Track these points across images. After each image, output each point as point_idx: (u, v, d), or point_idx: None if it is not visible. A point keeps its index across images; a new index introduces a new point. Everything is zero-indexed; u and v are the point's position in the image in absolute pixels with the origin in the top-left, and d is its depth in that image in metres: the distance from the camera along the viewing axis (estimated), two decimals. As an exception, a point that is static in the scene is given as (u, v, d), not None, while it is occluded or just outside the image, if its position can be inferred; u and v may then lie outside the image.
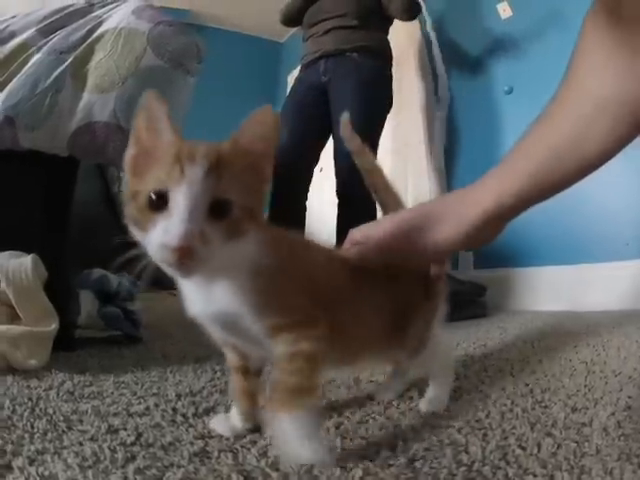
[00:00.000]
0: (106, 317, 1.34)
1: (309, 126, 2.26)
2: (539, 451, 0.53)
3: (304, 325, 0.55)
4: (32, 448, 0.54)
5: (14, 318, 1.03)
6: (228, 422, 0.63)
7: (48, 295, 1.05)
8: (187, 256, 0.44)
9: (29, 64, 1.34)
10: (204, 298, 0.55)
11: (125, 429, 0.62)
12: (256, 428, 0.62)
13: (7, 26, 1.60)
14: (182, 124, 1.33)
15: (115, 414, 0.69)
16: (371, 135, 2.07)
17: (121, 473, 0.48)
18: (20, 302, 1.02)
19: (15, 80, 1.31)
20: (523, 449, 0.54)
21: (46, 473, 0.47)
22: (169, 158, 0.48)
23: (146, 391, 0.82)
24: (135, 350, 1.27)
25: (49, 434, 0.59)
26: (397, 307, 0.69)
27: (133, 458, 0.52)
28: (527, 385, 0.83)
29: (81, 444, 0.56)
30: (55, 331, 1.00)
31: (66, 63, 1.31)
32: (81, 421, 0.65)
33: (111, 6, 1.52)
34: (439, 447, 0.56)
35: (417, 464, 0.51)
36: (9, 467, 0.49)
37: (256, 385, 0.65)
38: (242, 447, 0.56)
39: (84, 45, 1.34)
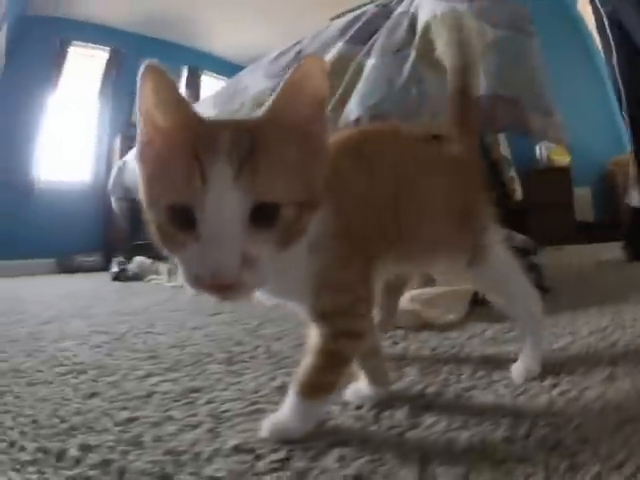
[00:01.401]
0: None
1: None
2: None
3: (350, 315, 0.52)
4: (459, 387, 0.64)
5: (427, 282, 1.18)
6: (360, 392, 0.61)
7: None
8: (229, 290, 0.38)
9: (367, 69, 1.49)
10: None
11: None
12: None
13: (299, 51, 1.89)
14: (552, 90, 1.28)
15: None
16: None
17: (547, 396, 0.58)
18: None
19: (362, 85, 1.47)
20: None
21: (474, 405, 0.58)
22: (184, 155, 0.38)
23: (563, 330, 0.91)
24: (545, 299, 1.32)
25: (478, 373, 0.69)
26: (462, 204, 0.64)
27: (555, 386, 0.61)
28: None
29: (510, 377, 0.66)
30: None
31: (411, 57, 1.41)
32: (507, 360, 0.73)
33: (407, 0, 1.60)
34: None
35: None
36: (430, 407, 0.58)
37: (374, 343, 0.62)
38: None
39: (418, 38, 1.43)
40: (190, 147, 0.37)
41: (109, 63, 5.14)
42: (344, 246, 0.49)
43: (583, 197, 4.50)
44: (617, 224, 2.98)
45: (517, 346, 0.80)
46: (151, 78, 0.39)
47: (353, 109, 1.47)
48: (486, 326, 0.98)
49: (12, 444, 0.52)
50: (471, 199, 0.67)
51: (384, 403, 0.59)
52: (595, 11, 2.12)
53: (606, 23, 2.06)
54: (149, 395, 0.67)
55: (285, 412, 0.51)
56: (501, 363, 0.73)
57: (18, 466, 0.47)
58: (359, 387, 0.61)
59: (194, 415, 0.59)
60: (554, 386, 0.61)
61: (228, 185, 0.36)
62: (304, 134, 0.41)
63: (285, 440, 0.49)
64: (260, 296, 0.53)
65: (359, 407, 0.58)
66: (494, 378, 0.67)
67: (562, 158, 4.53)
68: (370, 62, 1.52)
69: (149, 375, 0.77)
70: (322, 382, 0.51)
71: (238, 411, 0.59)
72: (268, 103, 0.41)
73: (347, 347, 0.51)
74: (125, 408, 0.62)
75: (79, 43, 4.95)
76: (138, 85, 0.40)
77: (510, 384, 0.64)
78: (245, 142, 0.38)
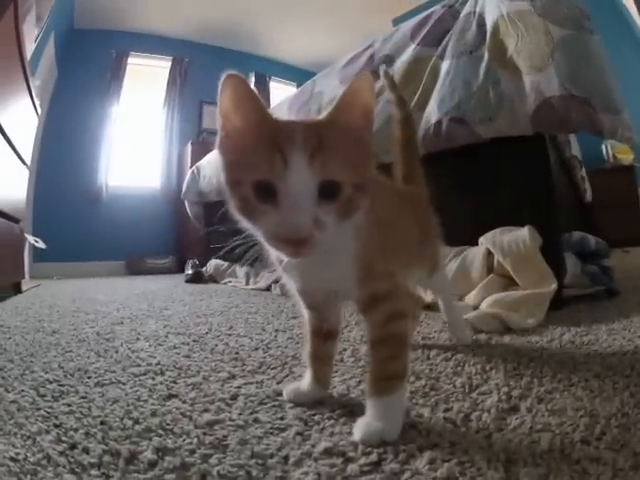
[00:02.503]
0: (590, 275, 1.43)
1: None
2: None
3: (393, 298, 0.57)
4: (541, 390, 0.65)
5: (507, 286, 1.19)
6: (300, 390, 0.65)
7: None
8: (303, 245, 0.46)
9: (443, 71, 1.49)
10: (312, 272, 0.57)
11: (593, 364, 0.73)
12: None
13: (372, 55, 1.88)
14: (618, 87, 1.25)
15: (612, 354, 0.79)
16: None
17: (619, 398, 0.59)
18: (518, 269, 1.17)
19: (439, 88, 1.48)
20: None
21: (555, 407, 0.58)
22: (267, 145, 0.47)
23: (633, 334, 0.91)
24: (615, 302, 1.34)
25: (558, 375, 0.70)
26: (418, 229, 0.79)
27: (626, 388, 0.63)
28: None
29: (587, 380, 0.67)
30: (554, 291, 1.11)
31: (485, 58, 1.39)
32: (585, 363, 0.75)
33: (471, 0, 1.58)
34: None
35: None
36: (515, 409, 0.58)
37: (331, 348, 0.68)
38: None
39: (489, 39, 1.41)
40: (271, 139, 0.47)
41: (172, 72, 5.30)
42: (379, 237, 0.58)
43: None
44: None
45: (593, 349, 0.85)
46: (230, 87, 0.49)
47: (433, 112, 1.47)
48: (564, 330, 1.02)
49: (73, 446, 0.50)
50: (424, 224, 0.83)
51: (471, 406, 0.60)
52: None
53: None
54: (233, 397, 0.66)
55: (372, 416, 0.53)
56: (579, 365, 0.75)
57: (78, 469, 0.45)
58: (298, 386, 0.67)
59: (282, 418, 0.58)
60: (626, 388, 0.63)
61: (303, 167, 0.46)
62: (357, 137, 0.51)
63: (379, 442, 0.49)
64: (305, 283, 0.60)
65: (448, 409, 0.59)
66: (573, 380, 0.68)
67: (626, 156, 4.43)
68: (445, 64, 1.52)
69: (232, 377, 0.76)
70: (390, 371, 0.55)
71: (327, 414, 0.59)
72: (328, 110, 0.51)
73: (397, 327, 0.57)
74: (207, 410, 0.61)
75: (138, 53, 5.11)
76: (219, 91, 0.49)
77: (587, 386, 0.64)
78: (314, 137, 0.47)
